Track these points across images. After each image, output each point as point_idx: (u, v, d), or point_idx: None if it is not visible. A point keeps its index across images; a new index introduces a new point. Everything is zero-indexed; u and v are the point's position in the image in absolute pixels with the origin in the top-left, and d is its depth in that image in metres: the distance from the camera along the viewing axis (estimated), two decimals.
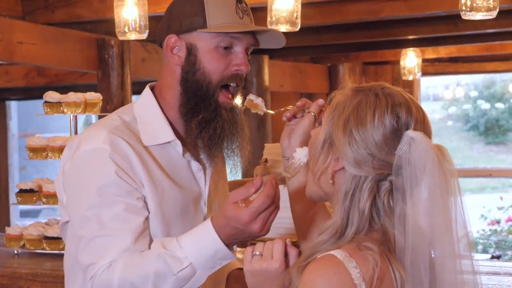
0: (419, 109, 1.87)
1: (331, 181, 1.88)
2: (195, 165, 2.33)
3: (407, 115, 1.83)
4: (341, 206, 1.84)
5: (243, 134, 2.34)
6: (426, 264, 1.78)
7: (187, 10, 2.26)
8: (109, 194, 2.14)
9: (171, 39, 2.27)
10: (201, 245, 2.04)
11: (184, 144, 2.31)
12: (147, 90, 2.36)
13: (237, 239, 2.04)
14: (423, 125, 1.85)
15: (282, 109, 2.35)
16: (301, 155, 2.04)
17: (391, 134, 1.82)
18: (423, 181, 1.80)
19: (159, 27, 2.34)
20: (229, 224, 2.01)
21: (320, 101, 2.32)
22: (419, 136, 1.81)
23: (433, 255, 1.80)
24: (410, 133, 1.81)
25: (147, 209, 2.18)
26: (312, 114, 2.29)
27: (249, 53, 2.33)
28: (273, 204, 1.99)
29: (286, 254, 1.88)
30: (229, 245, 2.05)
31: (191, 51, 2.26)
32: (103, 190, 2.14)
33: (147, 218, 2.17)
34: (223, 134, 2.27)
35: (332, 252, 1.77)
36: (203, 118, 2.26)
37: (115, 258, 2.07)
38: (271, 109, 2.40)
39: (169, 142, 2.29)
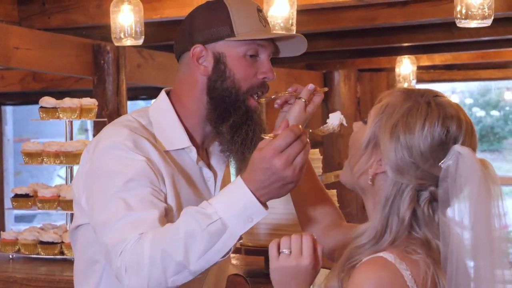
0: (469, 123, 1.87)
1: (370, 182, 1.88)
2: (206, 172, 2.34)
3: (457, 129, 1.84)
4: (381, 211, 1.84)
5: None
6: (469, 275, 1.78)
7: (212, 20, 2.26)
8: (135, 180, 2.12)
9: (197, 48, 2.27)
10: (230, 199, 1.99)
11: (198, 151, 2.31)
12: (163, 95, 2.36)
13: (266, 187, 1.96)
14: (471, 139, 1.86)
15: (273, 96, 2.36)
16: (334, 119, 2.04)
17: (438, 146, 1.82)
18: (466, 195, 1.80)
19: (178, 40, 2.34)
20: (255, 168, 1.96)
21: (310, 85, 2.34)
22: (466, 151, 1.81)
23: (470, 265, 1.80)
24: (458, 148, 1.81)
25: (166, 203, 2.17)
26: (303, 100, 2.31)
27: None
28: (299, 142, 1.94)
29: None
30: (260, 199, 1.97)
31: (219, 60, 2.26)
32: (130, 177, 2.12)
33: (165, 208, 2.14)
34: (255, 137, 2.27)
35: (380, 254, 1.78)
36: (234, 121, 2.26)
37: (144, 231, 2.03)
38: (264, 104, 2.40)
39: (183, 149, 2.29)
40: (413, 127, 1.82)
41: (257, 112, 2.30)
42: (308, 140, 1.98)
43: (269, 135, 1.97)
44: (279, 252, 1.86)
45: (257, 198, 1.97)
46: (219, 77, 2.26)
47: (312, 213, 2.29)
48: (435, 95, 1.89)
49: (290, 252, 1.85)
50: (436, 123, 1.82)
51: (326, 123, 2.07)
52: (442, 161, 1.81)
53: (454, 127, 1.83)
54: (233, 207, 1.97)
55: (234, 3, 2.28)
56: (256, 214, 1.98)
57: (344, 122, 2.10)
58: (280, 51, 2.37)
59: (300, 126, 1.97)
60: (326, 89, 2.42)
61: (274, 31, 4.26)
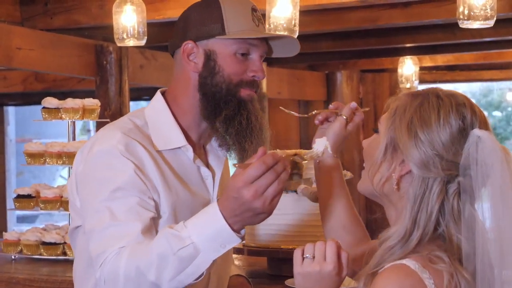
0: (482, 112, 1.85)
1: (396, 187, 1.86)
2: (204, 171, 2.35)
3: (472, 115, 1.82)
4: (410, 209, 1.81)
5: (266, 123, 2.34)
6: (493, 270, 1.75)
7: (204, 18, 2.28)
8: (123, 189, 2.14)
9: (188, 45, 2.29)
10: (205, 224, 1.99)
11: (195, 150, 2.32)
12: (158, 96, 2.37)
13: (237, 216, 1.96)
14: (486, 125, 1.84)
15: (314, 112, 2.36)
16: (319, 145, 2.03)
17: (457, 133, 1.80)
18: (491, 181, 1.77)
19: (172, 36, 2.36)
20: (228, 197, 1.96)
21: (353, 104, 2.33)
22: (485, 135, 1.79)
23: (492, 258, 1.77)
24: (477, 131, 1.79)
25: (156, 211, 2.18)
26: (344, 117, 2.30)
27: (262, 60, 2.35)
28: (271, 174, 1.92)
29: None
30: (233, 226, 1.97)
31: (210, 56, 2.28)
32: (118, 186, 2.14)
33: (153, 218, 2.16)
34: (250, 125, 2.28)
35: (403, 261, 1.76)
36: (225, 115, 2.27)
37: (124, 245, 2.06)
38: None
39: (180, 148, 2.30)
40: (429, 120, 1.81)
41: (252, 101, 2.30)
42: (287, 168, 1.95)
43: (242, 163, 1.96)
44: (303, 258, 1.86)
45: (230, 225, 1.97)
46: (209, 73, 2.27)
47: (340, 231, 2.28)
48: (441, 89, 1.88)
49: (314, 257, 1.85)
50: (450, 111, 1.81)
51: (312, 148, 2.06)
52: (464, 148, 1.79)
53: (469, 114, 1.82)
54: (206, 232, 1.98)
55: (228, 1, 2.30)
56: (229, 241, 1.99)
57: (329, 150, 2.08)
58: (273, 51, 2.38)
59: (280, 153, 1.95)
60: (367, 109, 2.41)
61: (277, 32, 4.27)
